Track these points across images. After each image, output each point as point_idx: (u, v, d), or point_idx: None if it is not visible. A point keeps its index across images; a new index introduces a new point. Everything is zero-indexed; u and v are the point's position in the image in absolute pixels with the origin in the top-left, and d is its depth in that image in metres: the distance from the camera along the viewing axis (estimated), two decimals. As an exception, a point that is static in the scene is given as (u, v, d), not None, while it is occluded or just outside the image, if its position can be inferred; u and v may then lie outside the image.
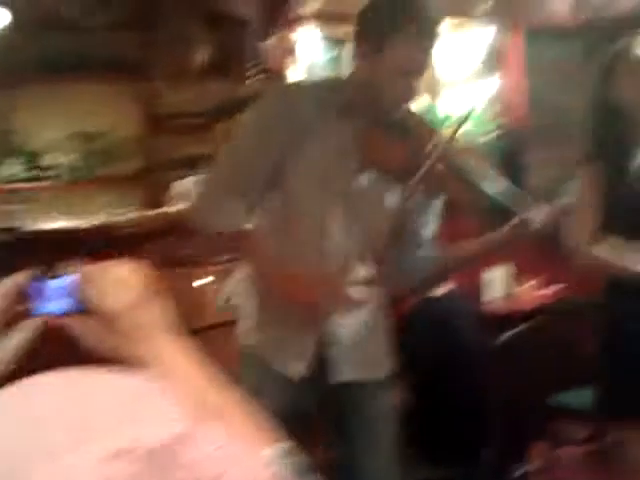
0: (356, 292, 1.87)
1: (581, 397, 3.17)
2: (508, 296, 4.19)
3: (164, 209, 3.17)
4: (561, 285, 3.92)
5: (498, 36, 5.01)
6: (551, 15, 4.98)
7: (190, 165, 4.18)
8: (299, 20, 4.21)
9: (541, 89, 5.03)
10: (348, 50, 4.72)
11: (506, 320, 3.50)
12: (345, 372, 1.85)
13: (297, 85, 2.07)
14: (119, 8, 3.39)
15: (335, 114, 1.77)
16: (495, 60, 5.05)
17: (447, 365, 2.54)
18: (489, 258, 1.95)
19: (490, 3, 4.95)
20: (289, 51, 4.18)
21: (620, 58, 2.12)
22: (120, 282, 0.82)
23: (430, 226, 1.95)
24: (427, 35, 1.71)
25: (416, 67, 1.71)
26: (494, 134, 4.55)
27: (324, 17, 4.59)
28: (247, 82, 3.64)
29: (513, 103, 4.90)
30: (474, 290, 4.13)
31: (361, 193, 1.82)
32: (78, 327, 0.83)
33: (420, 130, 1.78)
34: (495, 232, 1.90)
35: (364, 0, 4.61)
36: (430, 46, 1.73)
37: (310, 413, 1.96)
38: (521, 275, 4.24)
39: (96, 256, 0.90)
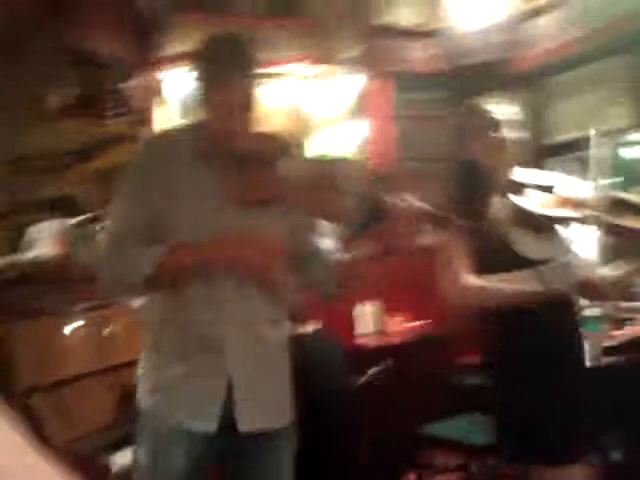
0: (263, 332, 1.84)
1: (451, 427, 3.26)
2: (377, 331, 4.29)
3: (17, 256, 3.01)
4: (427, 319, 4.05)
5: (367, 82, 5.19)
6: (419, 63, 5.22)
7: (50, 208, 4.03)
8: (166, 61, 4.18)
9: (409, 134, 5.23)
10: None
11: (376, 354, 3.56)
12: (251, 422, 1.80)
13: (161, 136, 2.07)
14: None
15: (198, 156, 1.81)
16: (365, 105, 5.22)
17: (314, 404, 2.52)
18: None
19: (359, 51, 5.14)
20: (155, 92, 4.15)
21: (468, 118, 2.26)
22: None
23: (327, 238, 1.97)
24: (245, 74, 1.77)
25: (238, 103, 1.75)
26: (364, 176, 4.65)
27: (191, 59, 4.60)
28: (110, 123, 3.56)
29: (382, 147, 5.07)
30: (343, 326, 4.20)
31: (244, 226, 1.81)
32: None
33: (283, 156, 1.82)
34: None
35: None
36: (248, 84, 1.78)
37: (211, 465, 1.88)
38: (389, 310, 4.35)
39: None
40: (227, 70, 1.75)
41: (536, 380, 2.11)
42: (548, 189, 2.24)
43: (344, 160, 1.97)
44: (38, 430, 2.17)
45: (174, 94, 4.33)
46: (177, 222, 1.78)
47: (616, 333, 3.42)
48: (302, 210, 1.86)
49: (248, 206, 1.80)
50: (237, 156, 1.78)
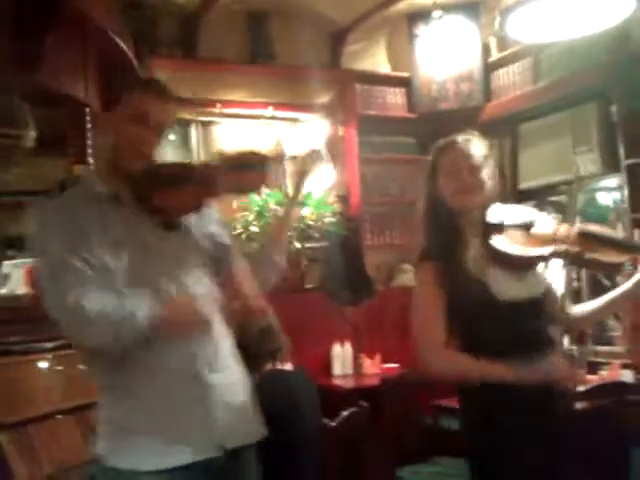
0: (231, 351, 1.90)
1: (423, 471, 3.22)
2: (354, 372, 4.29)
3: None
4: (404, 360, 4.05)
5: (335, 127, 5.27)
6: (385, 109, 5.32)
7: (22, 245, 3.98)
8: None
9: (375, 178, 5.31)
10: (193, 130, 4.86)
11: (352, 395, 3.54)
12: (234, 438, 1.81)
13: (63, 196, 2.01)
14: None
15: (106, 202, 1.81)
16: (332, 150, 5.28)
17: (288, 440, 2.49)
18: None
19: (328, 97, 5.23)
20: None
21: (439, 158, 2.24)
22: None
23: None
24: (163, 94, 1.86)
25: (153, 115, 1.81)
26: (331, 219, 4.70)
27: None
28: (86, 161, 3.55)
29: (348, 190, 5.14)
30: (319, 366, 4.19)
31: (170, 248, 1.85)
32: None
33: (193, 174, 1.86)
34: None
35: (203, 84, 4.74)
36: (166, 103, 1.86)
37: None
38: (364, 352, 4.35)
39: None
40: (157, 91, 1.85)
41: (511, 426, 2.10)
42: (524, 227, 2.24)
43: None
44: (5, 468, 2.11)
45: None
46: (108, 258, 1.75)
47: (590, 377, 3.44)
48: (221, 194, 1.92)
49: (166, 228, 1.86)
50: (144, 181, 1.81)
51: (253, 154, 1.92)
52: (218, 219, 2.03)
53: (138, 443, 1.75)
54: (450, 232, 2.18)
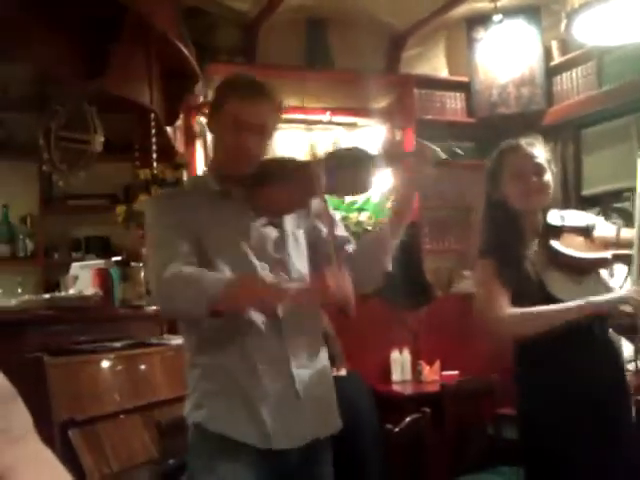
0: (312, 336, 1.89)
1: (485, 479, 3.18)
2: (414, 378, 4.28)
3: (56, 293, 3.04)
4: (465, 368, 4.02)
5: (393, 132, 5.26)
6: (444, 114, 5.28)
7: (89, 247, 4.11)
8: (203, 107, 4.27)
9: (433, 183, 5.27)
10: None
11: (412, 401, 3.52)
12: (311, 429, 1.81)
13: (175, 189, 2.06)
14: (16, 90, 3.37)
15: (218, 198, 1.85)
16: (390, 154, 5.26)
17: (348, 443, 2.49)
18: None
19: (386, 102, 5.22)
20: (194, 135, 4.23)
21: (504, 160, 2.24)
22: None
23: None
24: (260, 96, 1.85)
25: (252, 120, 1.82)
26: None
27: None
28: (153, 166, 3.63)
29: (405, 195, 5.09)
30: (379, 372, 4.18)
31: (266, 238, 1.87)
32: None
33: (298, 172, 1.84)
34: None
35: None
36: (264, 105, 1.85)
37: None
38: (423, 358, 4.33)
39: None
40: (253, 94, 1.84)
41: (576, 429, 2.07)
42: (586, 230, 2.22)
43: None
44: (75, 463, 2.16)
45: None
46: (213, 249, 1.81)
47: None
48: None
49: (271, 220, 1.87)
50: (252, 180, 1.83)
51: (361, 151, 1.88)
52: (320, 211, 1.95)
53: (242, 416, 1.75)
54: (510, 231, 2.19)
